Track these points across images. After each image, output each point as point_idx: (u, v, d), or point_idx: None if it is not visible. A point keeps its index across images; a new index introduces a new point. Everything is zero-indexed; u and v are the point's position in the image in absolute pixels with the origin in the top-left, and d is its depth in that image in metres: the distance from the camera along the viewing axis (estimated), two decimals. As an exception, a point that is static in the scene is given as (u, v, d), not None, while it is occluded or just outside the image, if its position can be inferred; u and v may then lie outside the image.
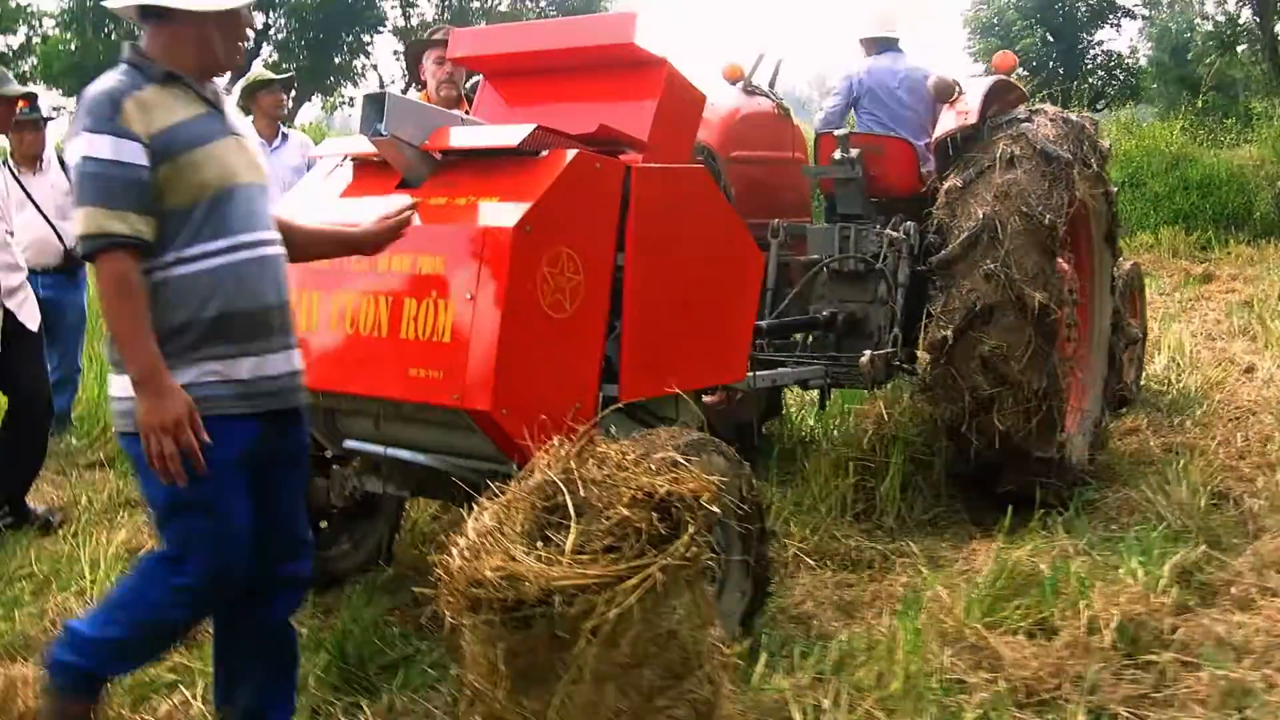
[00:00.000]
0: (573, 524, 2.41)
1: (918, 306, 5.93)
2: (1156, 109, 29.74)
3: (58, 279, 7.07)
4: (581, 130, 4.07)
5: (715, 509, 2.59)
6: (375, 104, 4.01)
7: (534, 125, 3.90)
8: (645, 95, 4.32)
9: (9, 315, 5.49)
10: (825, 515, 5.39)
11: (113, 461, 6.82)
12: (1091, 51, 33.08)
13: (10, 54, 29.41)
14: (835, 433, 6.44)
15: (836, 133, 6.35)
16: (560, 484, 2.48)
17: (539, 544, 2.43)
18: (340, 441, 4.38)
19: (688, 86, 4.47)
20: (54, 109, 38.08)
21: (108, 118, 2.91)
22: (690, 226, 4.22)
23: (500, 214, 3.76)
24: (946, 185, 5.66)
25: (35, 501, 5.92)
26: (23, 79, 27.41)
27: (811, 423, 7.08)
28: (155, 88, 3.00)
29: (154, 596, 3.05)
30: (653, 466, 2.65)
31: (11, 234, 5.59)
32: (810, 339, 6.34)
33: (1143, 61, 33.81)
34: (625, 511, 2.44)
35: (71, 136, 2.97)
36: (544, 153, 3.93)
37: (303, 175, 7.01)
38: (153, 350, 2.87)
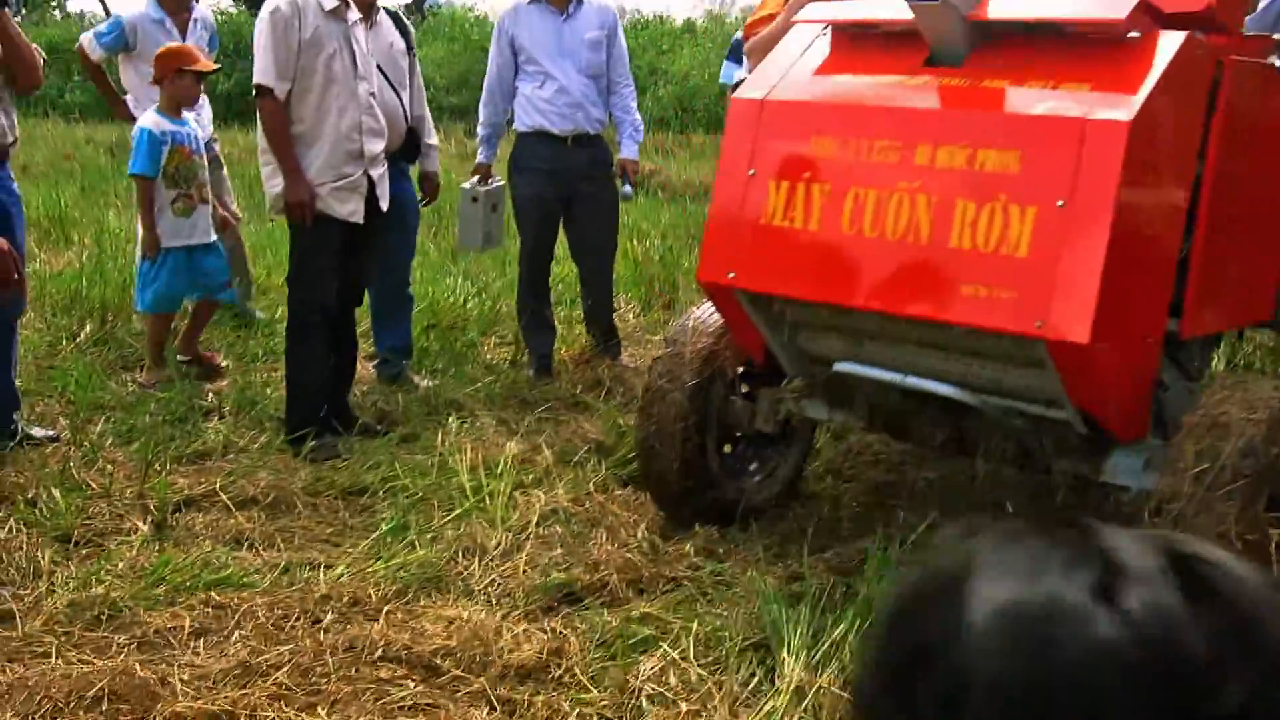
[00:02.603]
0: None
1: None
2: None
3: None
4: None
5: None
6: None
7: (1136, -1, 3.19)
8: None
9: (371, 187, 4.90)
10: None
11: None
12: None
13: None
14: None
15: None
16: None
17: None
18: (810, 361, 3.78)
19: None
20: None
21: None
22: (1270, 134, 3.53)
23: (1106, 106, 3.08)
24: None
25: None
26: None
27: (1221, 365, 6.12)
28: None
29: None
30: None
31: (374, 95, 4.94)
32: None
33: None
34: None
35: None
36: (1133, 33, 3.23)
37: (599, 52, 6.23)
38: None
